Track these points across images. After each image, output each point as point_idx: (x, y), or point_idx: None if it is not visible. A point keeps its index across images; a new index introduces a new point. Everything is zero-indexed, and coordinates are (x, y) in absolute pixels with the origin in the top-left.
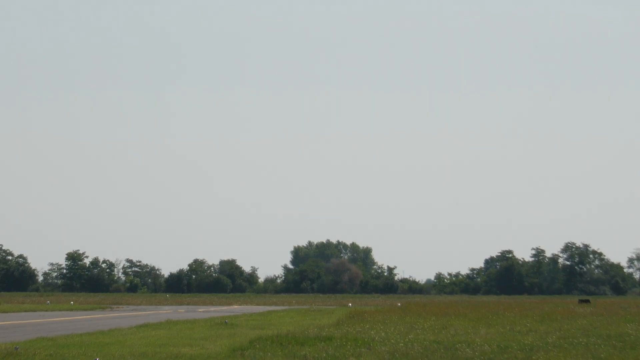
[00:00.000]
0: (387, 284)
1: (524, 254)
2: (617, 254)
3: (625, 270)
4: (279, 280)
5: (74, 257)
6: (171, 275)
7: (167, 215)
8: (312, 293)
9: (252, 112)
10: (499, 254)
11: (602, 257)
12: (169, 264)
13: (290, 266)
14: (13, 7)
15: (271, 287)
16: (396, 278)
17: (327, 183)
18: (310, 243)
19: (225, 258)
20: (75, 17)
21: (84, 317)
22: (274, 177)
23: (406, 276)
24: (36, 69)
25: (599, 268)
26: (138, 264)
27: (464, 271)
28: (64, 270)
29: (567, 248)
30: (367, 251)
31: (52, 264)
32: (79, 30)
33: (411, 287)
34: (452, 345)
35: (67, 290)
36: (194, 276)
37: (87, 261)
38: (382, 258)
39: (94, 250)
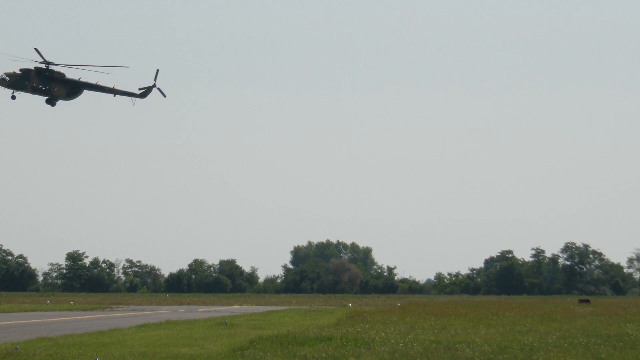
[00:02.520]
0: (387, 284)
1: (524, 254)
2: (617, 254)
3: (625, 270)
4: (279, 280)
5: (74, 257)
6: (171, 275)
7: (167, 215)
8: (312, 293)
9: (252, 113)
10: (499, 254)
11: (602, 257)
12: (169, 264)
13: (290, 266)
14: (24, 4)
15: (271, 287)
16: (396, 278)
17: (327, 183)
18: (310, 243)
19: (225, 258)
20: (85, 16)
21: (84, 317)
22: (274, 177)
23: (406, 276)
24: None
25: (599, 268)
26: (138, 264)
27: (464, 271)
28: (64, 270)
29: (567, 248)
30: (367, 251)
31: (52, 264)
32: (88, 28)
33: (411, 287)
34: (452, 345)
35: (67, 290)
36: (194, 276)
37: (87, 261)
38: (382, 258)
39: (94, 250)
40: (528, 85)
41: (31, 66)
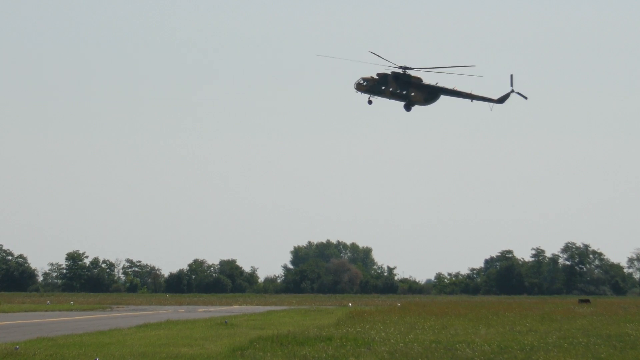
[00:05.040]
0: (387, 284)
1: (524, 254)
2: (617, 254)
3: (625, 270)
4: (279, 280)
5: (74, 257)
6: (171, 275)
7: (167, 215)
8: (312, 293)
9: (252, 113)
10: (499, 254)
11: (602, 257)
12: (169, 264)
13: (290, 266)
14: (28, 7)
15: (271, 287)
16: (396, 278)
17: (327, 183)
18: (310, 243)
19: (225, 258)
20: (90, 18)
21: (84, 317)
22: (274, 177)
23: (406, 276)
24: (39, 68)
25: (599, 268)
26: (138, 264)
27: (464, 271)
28: (64, 270)
29: (567, 248)
30: (367, 251)
31: (52, 264)
32: (92, 30)
33: (411, 287)
34: (452, 345)
35: (67, 290)
36: (194, 276)
37: (87, 261)
38: (382, 258)
39: (94, 250)
40: (528, 85)
41: (388, 71)
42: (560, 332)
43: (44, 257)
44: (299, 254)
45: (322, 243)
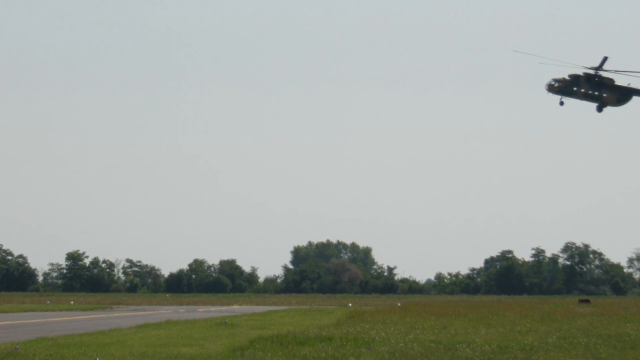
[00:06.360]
0: (387, 284)
1: (524, 254)
2: (617, 254)
3: (625, 270)
4: (279, 280)
5: (74, 257)
6: (171, 275)
7: (167, 215)
8: (312, 293)
9: (253, 113)
10: (499, 254)
11: (602, 257)
12: (169, 264)
13: (290, 266)
14: (25, 8)
15: (271, 287)
16: (396, 278)
17: (327, 183)
18: (310, 243)
19: (225, 258)
20: (85, 18)
21: (84, 317)
22: (274, 177)
23: (406, 276)
24: (39, 68)
25: (599, 268)
26: (138, 264)
27: (464, 271)
28: (64, 270)
29: (567, 248)
30: (367, 251)
31: (52, 264)
32: (88, 30)
33: (411, 287)
34: (452, 345)
35: (67, 290)
36: (194, 276)
37: (87, 261)
38: (382, 258)
39: (94, 250)
40: (528, 85)
41: (579, 72)
42: (560, 332)
43: (44, 257)
44: (299, 254)
45: (322, 243)
